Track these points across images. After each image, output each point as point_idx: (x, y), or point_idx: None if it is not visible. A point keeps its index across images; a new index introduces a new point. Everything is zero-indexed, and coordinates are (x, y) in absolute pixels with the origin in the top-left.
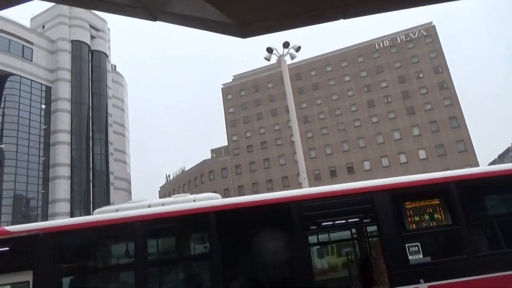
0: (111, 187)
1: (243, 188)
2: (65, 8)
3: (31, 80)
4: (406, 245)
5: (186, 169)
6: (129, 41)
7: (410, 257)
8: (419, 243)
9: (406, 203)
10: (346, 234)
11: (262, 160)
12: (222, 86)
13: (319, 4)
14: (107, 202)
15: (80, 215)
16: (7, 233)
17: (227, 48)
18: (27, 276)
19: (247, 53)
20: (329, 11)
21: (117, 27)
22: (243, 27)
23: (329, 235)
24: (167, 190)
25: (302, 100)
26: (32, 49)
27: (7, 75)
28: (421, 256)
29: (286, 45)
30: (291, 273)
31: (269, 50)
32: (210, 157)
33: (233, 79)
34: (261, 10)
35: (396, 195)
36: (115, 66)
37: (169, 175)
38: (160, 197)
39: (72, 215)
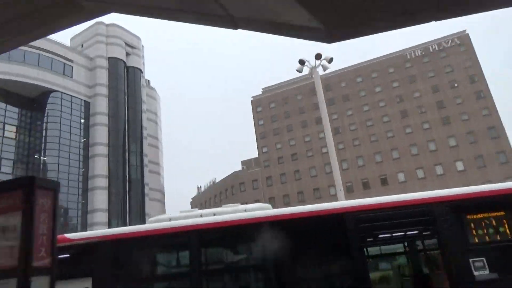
0: (146, 198)
1: (274, 200)
2: (102, 28)
3: (72, 96)
4: (470, 260)
5: (217, 180)
6: (152, 53)
7: (475, 273)
8: (484, 258)
9: (469, 215)
10: (398, 247)
11: (292, 172)
12: (252, 99)
13: (413, 5)
14: (143, 213)
15: (118, 225)
16: (67, 240)
17: (253, 58)
18: (87, 283)
19: (274, 64)
20: (422, 13)
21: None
22: (333, 31)
23: (380, 248)
24: (198, 202)
25: (332, 111)
26: (72, 67)
27: (49, 92)
28: (487, 271)
29: (318, 56)
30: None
31: (301, 62)
32: (240, 168)
33: (262, 92)
34: (356, 13)
35: (458, 206)
36: (148, 81)
37: (200, 187)
38: (192, 208)
39: (109, 225)
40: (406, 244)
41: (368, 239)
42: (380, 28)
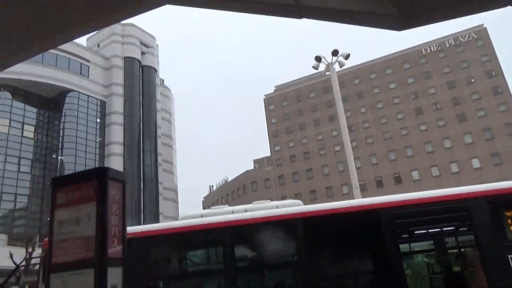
0: (160, 197)
1: (286, 199)
2: (118, 27)
3: (88, 96)
4: (510, 256)
5: (229, 179)
6: (166, 50)
7: None
8: None
9: (507, 211)
10: (431, 243)
11: (305, 171)
12: (264, 97)
13: None
14: (157, 211)
15: (132, 224)
16: None
17: (266, 57)
18: None
19: (286, 62)
20: None
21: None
22: (406, 17)
23: (413, 244)
24: (210, 201)
25: (346, 109)
26: (88, 67)
27: (67, 91)
28: None
29: (335, 53)
30: (381, 284)
31: (318, 58)
32: (253, 167)
33: (275, 90)
34: None
35: (496, 201)
36: (163, 80)
37: (212, 186)
38: (204, 207)
39: None
40: (440, 240)
41: (403, 235)
42: (456, 12)
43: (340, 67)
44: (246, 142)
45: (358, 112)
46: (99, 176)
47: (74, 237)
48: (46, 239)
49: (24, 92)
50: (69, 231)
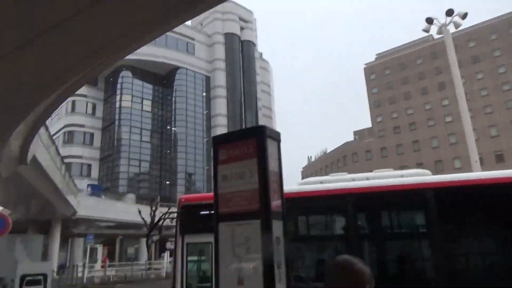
0: None
1: None
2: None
3: (194, 72)
4: None
5: (328, 151)
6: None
7: None
8: None
9: None
10: None
11: (410, 143)
12: (365, 66)
13: None
14: None
15: None
16: (197, 199)
17: (363, 24)
18: (211, 238)
19: (385, 29)
20: None
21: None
22: None
23: None
24: (309, 172)
25: (460, 75)
26: (194, 45)
27: (176, 69)
28: None
29: (449, 13)
30: None
31: (429, 20)
32: (352, 139)
33: (376, 58)
34: None
35: None
36: (261, 54)
37: (310, 157)
38: (303, 177)
39: None
40: None
41: None
42: None
43: (456, 28)
44: (345, 114)
45: (474, 79)
46: (258, 134)
47: (237, 190)
48: (181, 197)
49: (141, 71)
50: (232, 185)
